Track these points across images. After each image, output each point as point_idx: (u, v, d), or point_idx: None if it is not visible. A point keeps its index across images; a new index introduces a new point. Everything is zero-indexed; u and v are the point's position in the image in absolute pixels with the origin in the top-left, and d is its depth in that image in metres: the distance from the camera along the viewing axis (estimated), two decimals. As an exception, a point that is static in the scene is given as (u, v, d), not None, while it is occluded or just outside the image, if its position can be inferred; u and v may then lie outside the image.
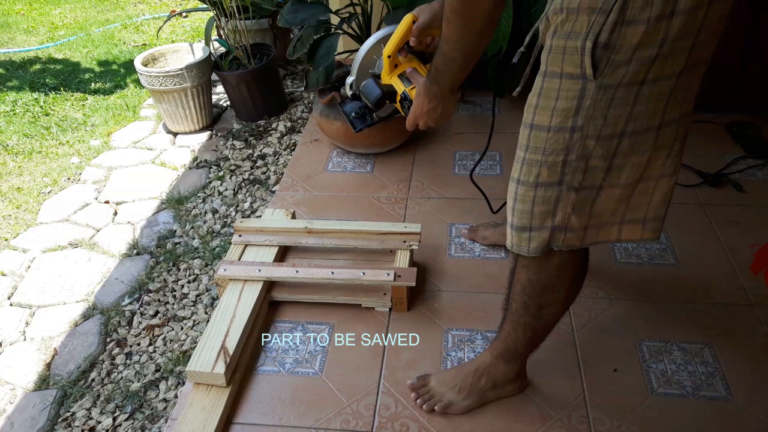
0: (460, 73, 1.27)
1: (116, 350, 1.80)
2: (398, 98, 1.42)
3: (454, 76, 1.29)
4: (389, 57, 1.38)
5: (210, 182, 2.55)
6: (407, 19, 1.32)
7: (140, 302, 1.96)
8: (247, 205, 2.37)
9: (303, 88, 3.22)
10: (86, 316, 1.93)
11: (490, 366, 1.42)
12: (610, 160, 1.00)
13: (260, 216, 2.22)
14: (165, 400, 1.64)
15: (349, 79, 1.51)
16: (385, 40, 1.39)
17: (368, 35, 2.14)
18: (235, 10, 2.75)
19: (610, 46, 0.88)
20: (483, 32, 1.15)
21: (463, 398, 1.43)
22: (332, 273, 1.70)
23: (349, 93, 1.54)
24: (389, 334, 1.65)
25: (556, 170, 1.02)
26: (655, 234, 1.14)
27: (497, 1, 1.08)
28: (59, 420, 1.62)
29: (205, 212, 2.36)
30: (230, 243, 1.91)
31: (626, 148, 0.99)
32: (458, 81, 1.31)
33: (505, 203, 1.49)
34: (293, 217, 2.04)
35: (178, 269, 2.08)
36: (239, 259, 1.82)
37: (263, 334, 1.68)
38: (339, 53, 2.47)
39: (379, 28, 2.39)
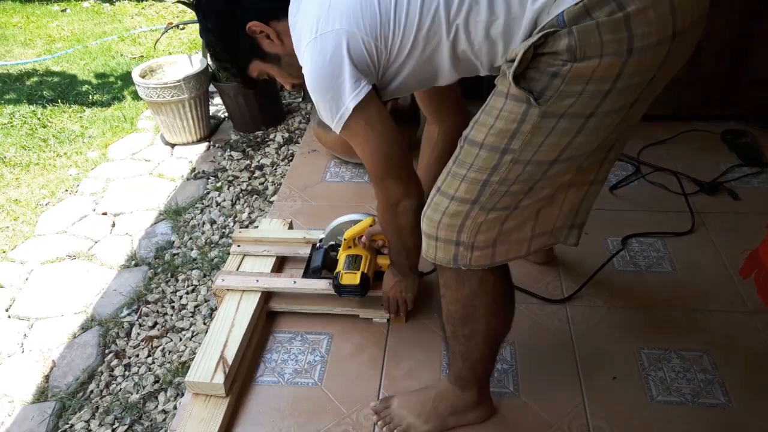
0: (410, 261, 1.50)
1: (115, 362, 1.80)
2: (335, 272, 1.64)
3: (405, 266, 1.53)
4: (345, 240, 1.66)
5: (208, 193, 2.55)
6: (367, 221, 1.63)
7: (139, 313, 1.96)
8: (245, 215, 2.38)
9: (300, 99, 3.24)
10: (85, 328, 1.92)
11: (448, 392, 1.38)
12: (533, 183, 0.99)
13: (258, 226, 2.22)
14: (164, 411, 1.63)
15: (321, 235, 1.79)
16: (353, 223, 1.67)
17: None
18: (233, 22, 2.76)
19: (560, 75, 0.86)
20: (412, 238, 1.30)
21: (423, 422, 1.39)
22: (330, 284, 1.70)
23: (318, 244, 1.80)
24: (388, 344, 1.65)
25: (474, 188, 1.00)
26: (574, 241, 1.17)
27: (416, 219, 1.15)
28: (57, 432, 1.61)
29: (203, 223, 2.36)
30: (228, 253, 1.91)
31: (554, 173, 0.98)
32: (413, 265, 1.53)
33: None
34: (291, 227, 2.04)
35: (177, 280, 2.08)
36: (237, 270, 1.82)
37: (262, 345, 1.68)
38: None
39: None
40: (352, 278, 1.59)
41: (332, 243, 1.74)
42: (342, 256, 1.66)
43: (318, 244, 1.78)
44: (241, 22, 1.15)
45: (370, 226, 1.63)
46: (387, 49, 1.05)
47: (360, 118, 1.09)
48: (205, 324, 1.89)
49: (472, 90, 2.49)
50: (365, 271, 1.61)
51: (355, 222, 1.66)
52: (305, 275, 1.75)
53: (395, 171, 1.18)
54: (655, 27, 0.82)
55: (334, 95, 1.07)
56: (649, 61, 0.86)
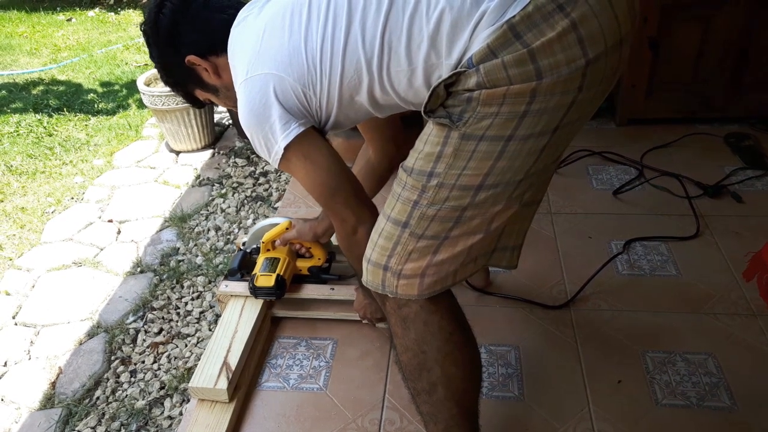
0: None
1: (121, 368, 1.81)
2: (252, 274, 1.69)
3: (370, 290, 1.46)
4: (263, 243, 1.72)
5: (213, 200, 2.56)
6: (284, 224, 1.69)
7: (144, 320, 1.97)
8: (249, 221, 2.39)
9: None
10: (91, 335, 1.93)
11: None
12: (461, 211, 0.99)
13: (263, 233, 2.23)
14: (170, 417, 1.64)
15: (244, 238, 1.86)
16: (272, 227, 1.72)
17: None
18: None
19: (474, 99, 0.88)
20: None
21: None
22: (332, 289, 1.71)
23: (241, 246, 1.86)
24: (393, 348, 1.65)
25: (406, 208, 1.01)
26: (512, 263, 1.17)
27: None
28: (64, 439, 1.62)
29: (208, 229, 2.37)
30: (233, 260, 1.92)
31: (481, 200, 0.98)
32: None
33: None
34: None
35: (182, 286, 2.09)
36: (242, 276, 1.83)
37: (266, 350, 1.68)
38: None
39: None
40: (267, 280, 1.64)
41: (255, 246, 1.79)
42: (260, 258, 1.71)
43: (242, 247, 1.84)
44: (180, 55, 1.18)
45: (287, 229, 1.69)
46: (316, 96, 1.07)
47: (298, 152, 1.11)
48: (210, 330, 1.90)
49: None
50: (281, 274, 1.65)
51: (274, 226, 1.71)
52: (225, 278, 1.79)
53: (343, 200, 1.18)
54: (563, 56, 0.85)
55: (265, 135, 1.09)
56: (563, 86, 0.87)
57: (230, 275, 1.77)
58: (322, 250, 1.73)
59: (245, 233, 2.30)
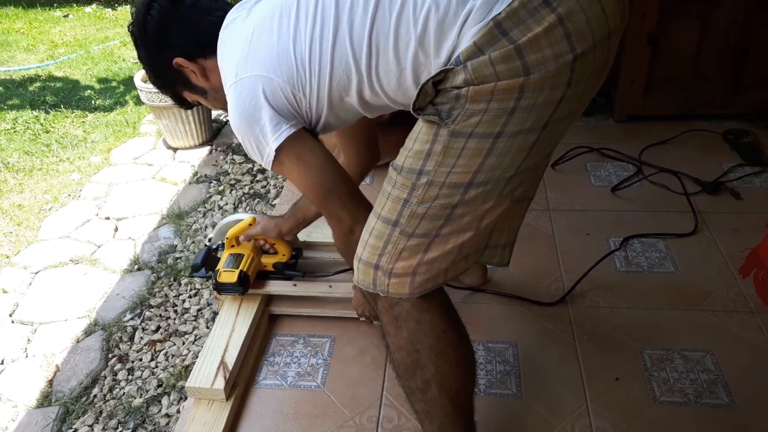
0: None
1: (118, 366, 1.80)
2: (216, 268, 1.69)
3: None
4: (227, 239, 1.71)
5: (210, 197, 2.56)
6: (247, 220, 1.69)
7: (142, 318, 1.97)
8: (247, 219, 2.38)
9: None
10: (88, 332, 1.93)
11: None
12: (452, 208, 0.99)
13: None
14: (167, 415, 1.64)
15: (210, 235, 1.84)
16: (237, 223, 1.71)
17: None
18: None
19: (462, 96, 0.88)
20: None
21: None
22: (330, 287, 1.70)
23: (206, 242, 1.84)
24: (386, 347, 1.65)
25: (396, 207, 1.00)
26: (504, 260, 1.16)
27: None
28: (61, 437, 1.62)
29: (206, 227, 2.36)
30: (231, 257, 1.91)
31: (471, 198, 0.97)
32: None
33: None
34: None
35: (180, 284, 2.09)
36: (240, 273, 1.82)
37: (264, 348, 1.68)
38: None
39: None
40: (230, 276, 1.63)
41: (221, 242, 1.78)
42: (225, 254, 1.71)
43: (207, 243, 1.83)
44: (168, 57, 1.18)
45: (250, 225, 1.68)
46: (306, 97, 1.07)
47: (290, 154, 1.10)
48: (207, 327, 1.89)
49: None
50: (244, 270, 1.65)
51: (239, 222, 1.71)
52: (190, 274, 1.76)
53: (338, 200, 1.17)
54: (551, 51, 0.84)
55: (256, 137, 1.08)
56: (551, 82, 0.86)
57: (194, 271, 1.76)
58: (287, 246, 1.73)
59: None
